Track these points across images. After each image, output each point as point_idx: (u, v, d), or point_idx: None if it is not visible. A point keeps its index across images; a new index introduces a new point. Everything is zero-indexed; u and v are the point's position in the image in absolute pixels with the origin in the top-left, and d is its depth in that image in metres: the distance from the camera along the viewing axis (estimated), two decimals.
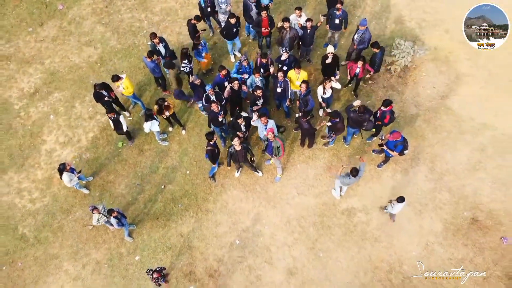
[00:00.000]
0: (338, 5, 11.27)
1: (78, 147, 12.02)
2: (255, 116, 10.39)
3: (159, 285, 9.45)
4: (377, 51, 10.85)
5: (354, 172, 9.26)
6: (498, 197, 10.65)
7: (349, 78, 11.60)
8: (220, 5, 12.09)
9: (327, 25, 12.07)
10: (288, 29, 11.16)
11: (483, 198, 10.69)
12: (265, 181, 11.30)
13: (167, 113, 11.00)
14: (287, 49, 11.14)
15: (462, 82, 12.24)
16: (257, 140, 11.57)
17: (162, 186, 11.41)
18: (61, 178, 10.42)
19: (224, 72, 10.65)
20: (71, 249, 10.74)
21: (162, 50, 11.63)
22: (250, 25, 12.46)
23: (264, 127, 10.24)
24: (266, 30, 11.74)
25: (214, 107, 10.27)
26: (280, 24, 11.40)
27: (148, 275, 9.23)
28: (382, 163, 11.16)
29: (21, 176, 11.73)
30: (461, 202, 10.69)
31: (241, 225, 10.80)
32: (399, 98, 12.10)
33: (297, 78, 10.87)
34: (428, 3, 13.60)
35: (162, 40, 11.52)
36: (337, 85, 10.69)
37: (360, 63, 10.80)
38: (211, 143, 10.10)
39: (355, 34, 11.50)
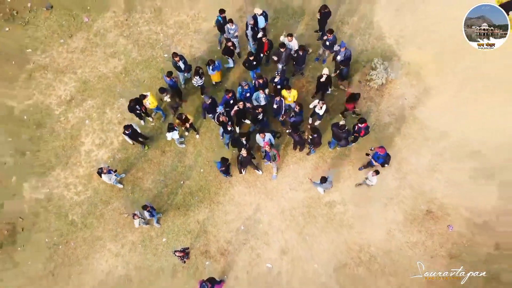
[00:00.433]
0: (328, 34, 13.43)
1: (111, 149, 14.62)
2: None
3: (184, 262, 12.46)
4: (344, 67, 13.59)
5: (323, 180, 11.97)
6: (449, 194, 13.35)
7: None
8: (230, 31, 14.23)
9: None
10: (284, 50, 13.39)
11: (437, 194, 13.40)
12: (264, 179, 14.00)
13: (187, 125, 13.43)
14: (284, 67, 13.62)
15: (430, 95, 14.53)
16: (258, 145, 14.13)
17: (181, 182, 14.12)
18: (101, 177, 13.13)
19: (229, 94, 13.07)
20: (112, 232, 13.66)
21: (182, 66, 13.95)
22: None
23: (262, 140, 12.80)
24: (266, 54, 14.10)
25: (223, 118, 12.80)
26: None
27: (174, 255, 12.17)
28: (362, 167, 13.74)
29: (67, 173, 14.43)
30: (419, 197, 13.43)
31: (245, 214, 13.62)
32: (376, 109, 14.52)
33: (289, 96, 13.29)
34: (406, 21, 15.51)
35: (181, 58, 13.81)
36: (321, 111, 13.02)
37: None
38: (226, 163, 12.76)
39: (337, 55, 13.55)
